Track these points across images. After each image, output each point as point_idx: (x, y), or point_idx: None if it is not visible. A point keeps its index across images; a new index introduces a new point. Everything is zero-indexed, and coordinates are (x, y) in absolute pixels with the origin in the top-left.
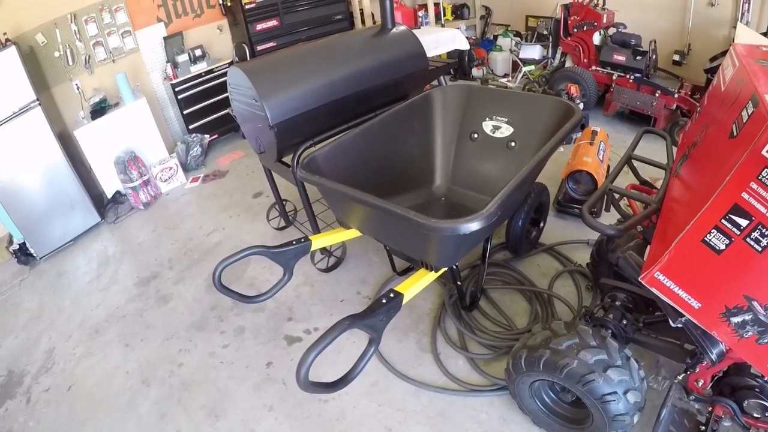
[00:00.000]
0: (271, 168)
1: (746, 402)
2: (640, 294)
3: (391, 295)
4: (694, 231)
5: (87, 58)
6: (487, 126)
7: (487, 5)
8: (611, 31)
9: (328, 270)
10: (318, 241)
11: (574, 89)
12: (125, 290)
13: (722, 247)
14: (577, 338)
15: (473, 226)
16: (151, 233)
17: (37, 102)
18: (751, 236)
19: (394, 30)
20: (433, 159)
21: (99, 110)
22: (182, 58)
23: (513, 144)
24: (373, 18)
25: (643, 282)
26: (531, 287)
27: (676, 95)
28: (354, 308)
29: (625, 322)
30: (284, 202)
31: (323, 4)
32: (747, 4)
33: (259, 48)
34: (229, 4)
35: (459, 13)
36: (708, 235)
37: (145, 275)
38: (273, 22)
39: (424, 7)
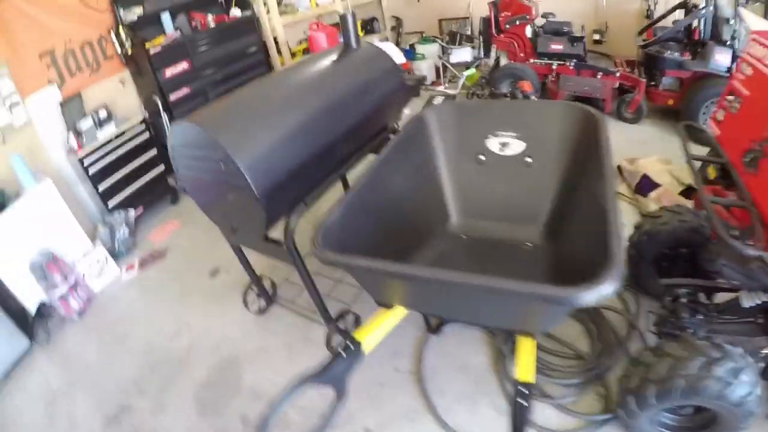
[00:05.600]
0: (251, 248)
1: None
2: (703, 285)
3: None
4: None
5: None
6: (493, 144)
7: (397, 15)
8: (539, 21)
9: None
10: (368, 338)
11: (527, 86)
12: None
13: None
14: (702, 356)
15: (612, 286)
16: (99, 349)
17: None
18: None
19: (362, 49)
20: (442, 193)
21: None
22: (85, 124)
23: (529, 160)
24: (288, 47)
25: None
26: None
27: (617, 74)
28: (397, 390)
29: (699, 316)
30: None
31: (234, 37)
32: None
33: (173, 98)
34: (130, 52)
35: (369, 27)
36: None
37: (111, 411)
38: (183, 65)
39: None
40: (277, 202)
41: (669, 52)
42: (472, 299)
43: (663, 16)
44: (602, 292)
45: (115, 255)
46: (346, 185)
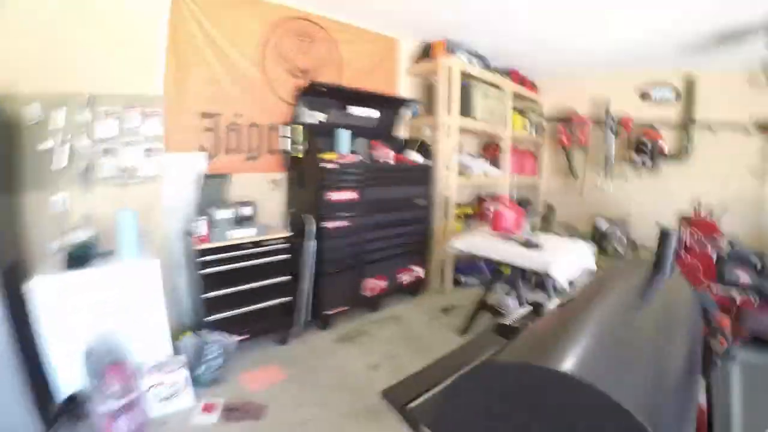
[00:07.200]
0: None
1: None
2: None
3: None
4: None
5: (88, 166)
6: None
7: (551, 203)
8: (724, 245)
9: None
10: None
11: (726, 322)
12: None
13: None
14: None
15: None
16: None
17: None
18: None
19: (673, 280)
20: None
21: (79, 257)
22: (224, 214)
23: None
24: (458, 208)
25: None
26: None
27: None
28: None
29: None
30: None
31: (408, 183)
32: None
33: (328, 225)
34: (301, 155)
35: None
36: None
37: None
38: (352, 195)
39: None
40: None
41: None
42: None
43: None
44: None
45: (193, 380)
46: None
